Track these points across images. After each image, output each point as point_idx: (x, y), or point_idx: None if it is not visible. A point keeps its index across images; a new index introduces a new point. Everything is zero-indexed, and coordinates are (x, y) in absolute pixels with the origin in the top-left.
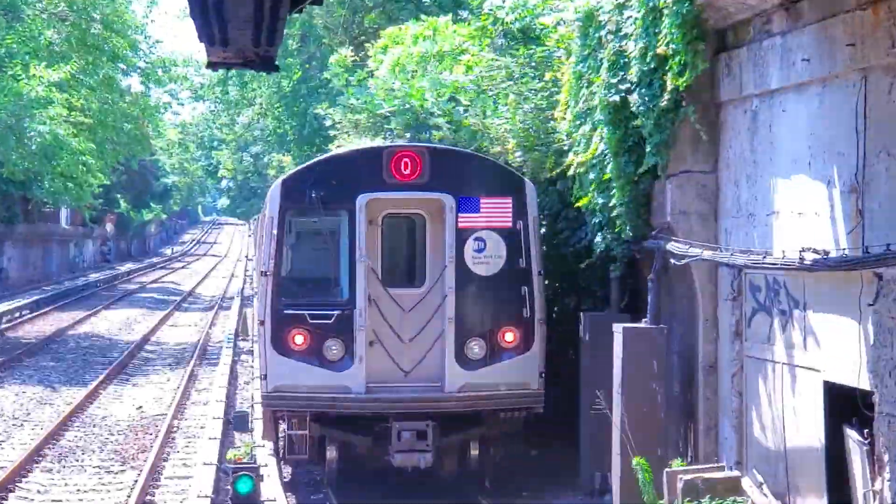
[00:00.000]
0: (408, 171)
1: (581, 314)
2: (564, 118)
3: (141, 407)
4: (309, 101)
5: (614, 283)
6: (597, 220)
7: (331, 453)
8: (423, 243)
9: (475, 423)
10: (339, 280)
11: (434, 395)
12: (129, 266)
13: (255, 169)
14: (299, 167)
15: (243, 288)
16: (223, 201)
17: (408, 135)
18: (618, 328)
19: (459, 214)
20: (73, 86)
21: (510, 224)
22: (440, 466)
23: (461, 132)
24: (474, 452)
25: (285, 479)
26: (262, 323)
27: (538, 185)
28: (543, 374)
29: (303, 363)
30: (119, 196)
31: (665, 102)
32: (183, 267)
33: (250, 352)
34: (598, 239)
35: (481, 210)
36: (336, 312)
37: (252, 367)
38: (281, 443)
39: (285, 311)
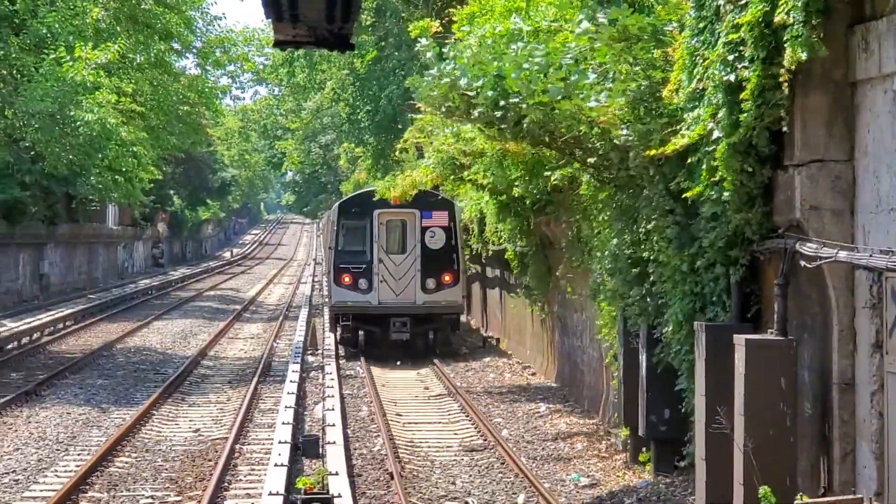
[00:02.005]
0: (398, 200)
1: (695, 324)
2: (675, 99)
3: (199, 430)
4: (384, 83)
5: (734, 290)
6: (710, 215)
7: (360, 337)
8: (405, 233)
9: (430, 321)
10: (365, 251)
11: (411, 305)
12: (183, 271)
13: (324, 161)
14: (347, 197)
15: (312, 295)
16: (288, 197)
17: (497, 113)
18: (739, 340)
19: (423, 219)
20: (123, 68)
21: (446, 224)
22: (414, 342)
23: (556, 115)
24: (430, 337)
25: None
26: (328, 273)
27: (641, 169)
28: (465, 297)
29: (348, 290)
30: (172, 192)
31: (789, 82)
32: (244, 272)
33: (320, 368)
34: (712, 237)
35: (433, 217)
36: (363, 266)
37: (322, 384)
38: (339, 333)
39: (339, 266)
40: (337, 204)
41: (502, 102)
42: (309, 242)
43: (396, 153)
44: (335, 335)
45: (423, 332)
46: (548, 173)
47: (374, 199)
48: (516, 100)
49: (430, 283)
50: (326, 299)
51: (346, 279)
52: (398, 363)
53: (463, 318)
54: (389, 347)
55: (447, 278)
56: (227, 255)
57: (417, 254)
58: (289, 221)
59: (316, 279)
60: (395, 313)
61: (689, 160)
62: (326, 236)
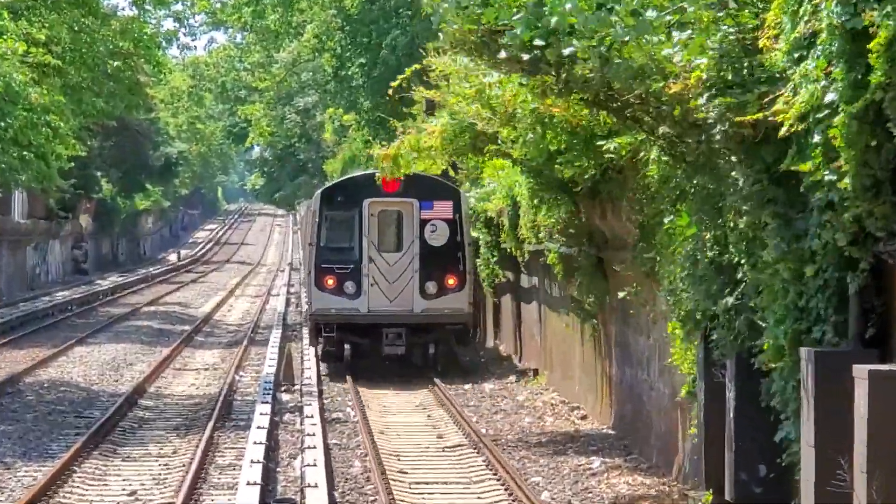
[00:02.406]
0: (392, 187)
1: (802, 351)
2: (775, 48)
3: (135, 492)
4: (383, 28)
5: (853, 303)
6: (823, 205)
7: (346, 351)
8: (401, 227)
9: (431, 330)
10: (353, 248)
11: (407, 313)
12: (114, 279)
13: (303, 132)
14: (331, 183)
15: (286, 312)
16: (255, 180)
17: (525, 56)
18: (861, 372)
19: (422, 210)
20: (32, 7)
21: (450, 216)
22: (411, 357)
23: (617, 65)
24: (431, 351)
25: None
26: (308, 273)
27: (731, 144)
28: (471, 304)
29: (332, 295)
30: (100, 174)
31: None
32: (195, 280)
33: (298, 409)
34: (826, 233)
35: (434, 208)
36: (351, 266)
37: (300, 431)
38: (320, 346)
39: (322, 266)
40: (319, 191)
41: (539, 42)
42: (282, 241)
43: (397, 124)
44: (315, 349)
45: (421, 344)
46: (603, 143)
47: (375, 181)
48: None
49: (431, 286)
50: (305, 306)
51: (330, 282)
52: (393, 387)
53: (490, 342)
54: (382, 363)
55: (451, 281)
56: (174, 257)
57: (415, 252)
58: (256, 213)
59: (293, 290)
60: (388, 323)
61: (794, 130)
62: (306, 231)
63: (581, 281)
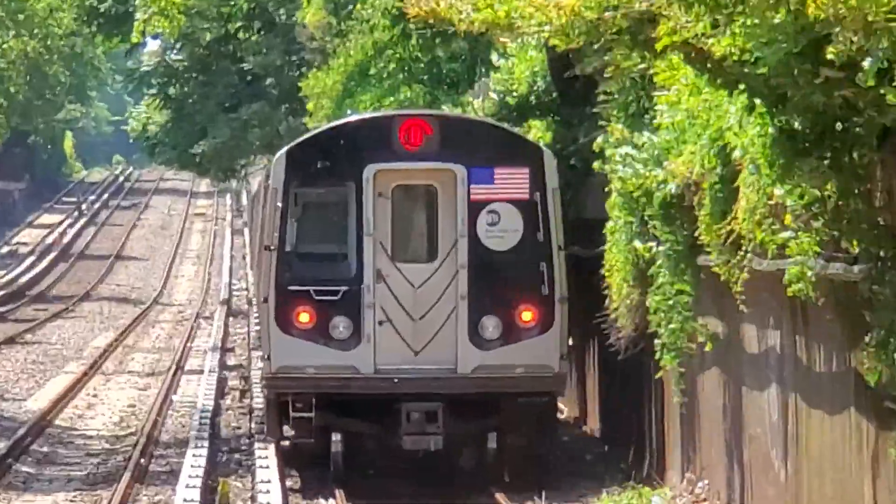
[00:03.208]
0: (417, 141)
1: None
2: None
3: None
4: None
5: None
6: None
7: (336, 446)
8: (434, 216)
9: (491, 408)
10: (346, 255)
11: (446, 375)
12: None
13: (256, 5)
14: (304, 137)
15: (219, 411)
16: (148, 116)
17: None
18: None
19: (472, 184)
20: None
21: (527, 196)
22: (455, 455)
23: None
24: (491, 444)
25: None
26: (265, 300)
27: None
28: (565, 356)
29: (308, 342)
30: None
31: None
32: (12, 341)
33: None
34: None
35: (495, 180)
36: (343, 289)
37: None
38: (287, 435)
39: (289, 288)
40: (282, 152)
41: None
42: (208, 249)
43: None
44: (274, 443)
45: (473, 434)
46: None
47: (386, 129)
48: None
49: (491, 325)
50: (260, 359)
51: (304, 317)
52: None
53: (676, 474)
54: (399, 465)
55: (528, 315)
56: None
57: (462, 262)
58: (150, 187)
59: (231, 377)
60: (411, 393)
61: None
62: (258, 225)
63: (885, 336)
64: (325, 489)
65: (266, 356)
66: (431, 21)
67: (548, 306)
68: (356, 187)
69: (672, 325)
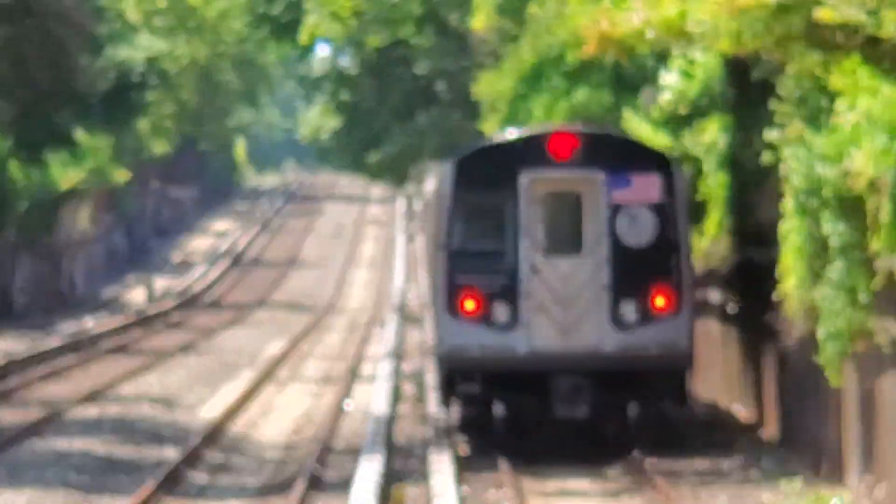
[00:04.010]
0: (566, 153)
1: None
2: None
3: None
4: None
5: None
6: None
7: (498, 413)
8: (579, 217)
9: (630, 382)
10: (505, 251)
11: (591, 354)
12: (4, 347)
13: (429, 11)
14: (470, 149)
15: (393, 415)
16: (320, 122)
17: None
18: None
19: (612, 190)
20: None
21: (658, 197)
22: (599, 424)
23: None
24: (631, 413)
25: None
26: (436, 292)
27: None
28: (691, 337)
29: (474, 326)
30: None
31: None
32: (186, 348)
33: None
34: None
35: (632, 185)
36: (502, 280)
37: None
38: (458, 410)
39: (457, 280)
40: (452, 161)
41: None
42: (383, 256)
43: None
44: (445, 413)
45: (615, 405)
46: None
47: (539, 143)
48: None
49: (629, 310)
50: (432, 343)
51: (469, 305)
52: (580, 477)
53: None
54: (552, 433)
55: (661, 301)
56: (139, 295)
57: (604, 255)
58: (323, 194)
59: (405, 383)
60: (561, 369)
61: None
62: (429, 226)
63: None
64: (489, 457)
65: (436, 339)
66: (611, 54)
67: (678, 292)
68: (514, 193)
69: (848, 327)
